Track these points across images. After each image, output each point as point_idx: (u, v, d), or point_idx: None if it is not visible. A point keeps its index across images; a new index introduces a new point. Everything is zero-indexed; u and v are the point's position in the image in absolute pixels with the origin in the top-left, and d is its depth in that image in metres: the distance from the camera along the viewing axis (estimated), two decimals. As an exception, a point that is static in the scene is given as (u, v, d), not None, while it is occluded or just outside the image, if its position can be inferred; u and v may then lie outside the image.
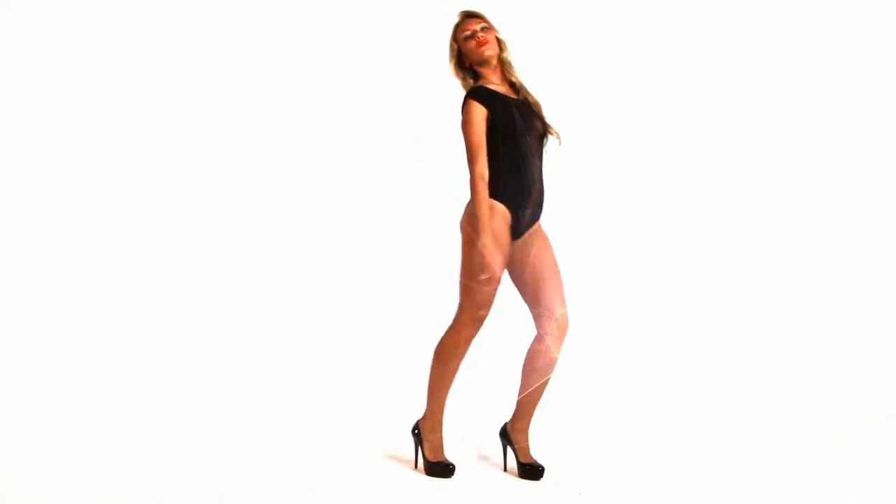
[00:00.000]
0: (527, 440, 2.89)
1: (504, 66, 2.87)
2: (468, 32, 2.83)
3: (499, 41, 2.86)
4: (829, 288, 4.48)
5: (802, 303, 4.44)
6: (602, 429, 3.33)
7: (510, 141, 2.75)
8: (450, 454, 2.91)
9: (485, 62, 2.84)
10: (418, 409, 2.95)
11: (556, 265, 2.84)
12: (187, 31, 4.55)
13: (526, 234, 2.82)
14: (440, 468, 2.87)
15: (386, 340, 4.28)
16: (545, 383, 2.81)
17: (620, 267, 4.53)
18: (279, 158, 4.62)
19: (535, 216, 2.84)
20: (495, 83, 2.85)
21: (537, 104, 2.88)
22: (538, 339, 2.78)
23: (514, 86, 2.88)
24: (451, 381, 2.88)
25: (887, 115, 4.55)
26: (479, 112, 2.75)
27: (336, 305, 4.50)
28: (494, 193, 2.76)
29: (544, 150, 2.87)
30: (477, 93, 2.79)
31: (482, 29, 2.83)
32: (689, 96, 4.59)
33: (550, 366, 2.78)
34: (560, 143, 2.89)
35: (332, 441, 3.24)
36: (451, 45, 2.89)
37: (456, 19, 2.89)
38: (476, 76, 2.88)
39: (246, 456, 3.06)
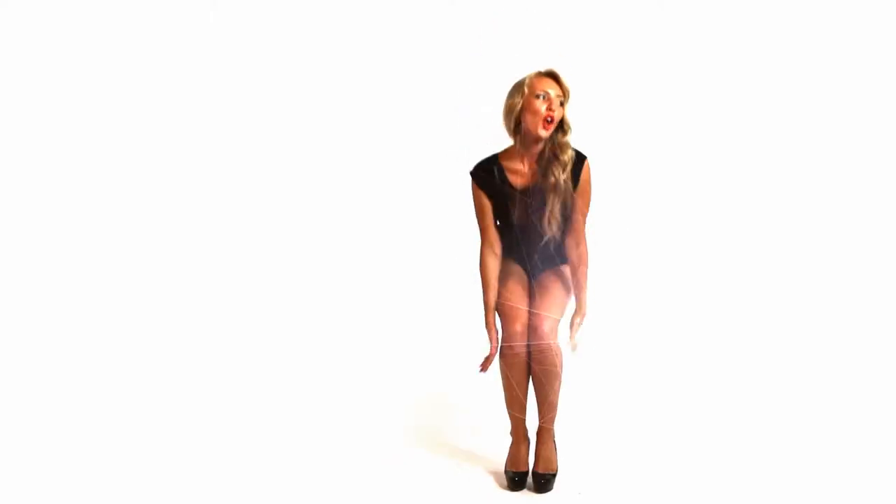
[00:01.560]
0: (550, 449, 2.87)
1: (558, 146, 2.70)
2: (541, 93, 2.66)
3: (563, 123, 2.71)
4: (830, 288, 4.48)
5: (803, 303, 4.44)
6: (602, 429, 3.32)
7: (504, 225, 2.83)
8: (442, 453, 2.90)
9: (535, 138, 2.70)
10: (419, 409, 2.95)
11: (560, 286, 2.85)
12: (195, 30, 4.57)
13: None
14: (506, 477, 2.85)
15: (391, 340, 4.31)
16: (550, 387, 2.79)
17: (619, 267, 4.53)
18: (287, 158, 4.65)
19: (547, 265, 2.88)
20: (516, 162, 2.77)
21: (558, 195, 2.70)
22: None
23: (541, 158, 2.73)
24: (513, 393, 2.81)
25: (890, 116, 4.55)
26: (481, 197, 2.80)
27: (341, 305, 4.52)
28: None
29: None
30: (478, 174, 2.79)
31: (560, 102, 2.67)
32: (689, 97, 4.59)
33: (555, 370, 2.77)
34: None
35: (331, 441, 3.23)
36: (517, 93, 2.69)
37: (538, 71, 2.70)
38: (517, 137, 2.76)
39: (248, 455, 3.06)
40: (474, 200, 2.83)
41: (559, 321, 2.77)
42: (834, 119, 4.59)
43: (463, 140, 4.39)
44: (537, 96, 2.66)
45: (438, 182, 4.51)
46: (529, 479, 2.85)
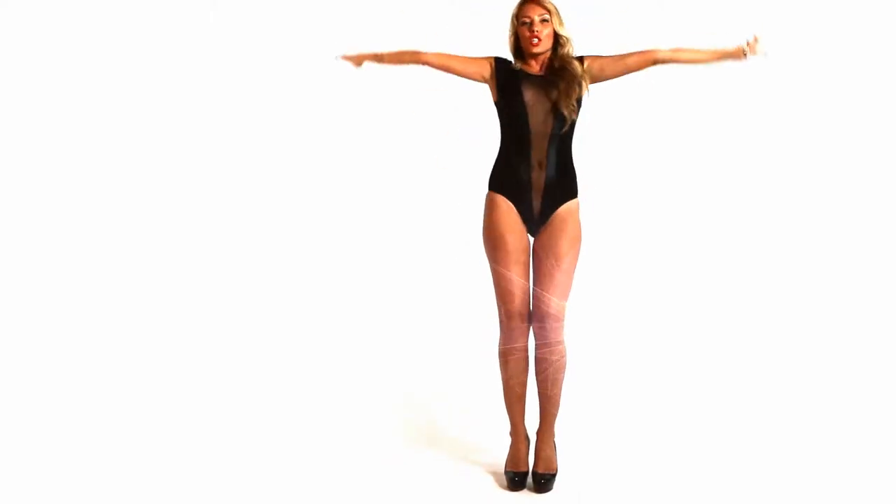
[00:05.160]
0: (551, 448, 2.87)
1: (561, 60, 2.78)
2: (526, 19, 2.77)
3: (558, 37, 2.78)
4: (830, 288, 4.48)
5: (802, 304, 4.44)
6: (602, 429, 3.32)
7: (511, 120, 2.76)
8: (441, 453, 2.92)
9: (531, 55, 2.80)
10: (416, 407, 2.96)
11: (560, 259, 2.75)
12: (195, 30, 4.57)
13: (549, 226, 2.80)
14: (506, 477, 2.86)
15: (392, 339, 4.31)
16: (554, 388, 2.80)
17: (619, 266, 4.53)
18: (286, 156, 4.65)
19: (551, 204, 2.78)
20: (532, 69, 2.82)
21: (570, 82, 2.75)
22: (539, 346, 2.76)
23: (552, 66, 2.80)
24: (512, 391, 2.83)
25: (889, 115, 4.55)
26: (484, 60, 2.82)
27: (340, 305, 4.52)
28: (494, 185, 2.81)
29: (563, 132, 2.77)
30: (497, 59, 2.83)
31: (541, 20, 2.75)
32: (690, 95, 4.59)
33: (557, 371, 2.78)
34: (569, 120, 2.75)
35: (331, 441, 3.23)
36: (511, 24, 2.82)
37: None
38: (523, 59, 2.83)
39: (248, 455, 3.07)
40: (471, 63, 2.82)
41: (565, 313, 2.74)
42: (832, 119, 4.59)
43: (457, 137, 4.44)
44: (523, 24, 2.77)
45: (438, 182, 4.52)
46: (529, 479, 2.85)
